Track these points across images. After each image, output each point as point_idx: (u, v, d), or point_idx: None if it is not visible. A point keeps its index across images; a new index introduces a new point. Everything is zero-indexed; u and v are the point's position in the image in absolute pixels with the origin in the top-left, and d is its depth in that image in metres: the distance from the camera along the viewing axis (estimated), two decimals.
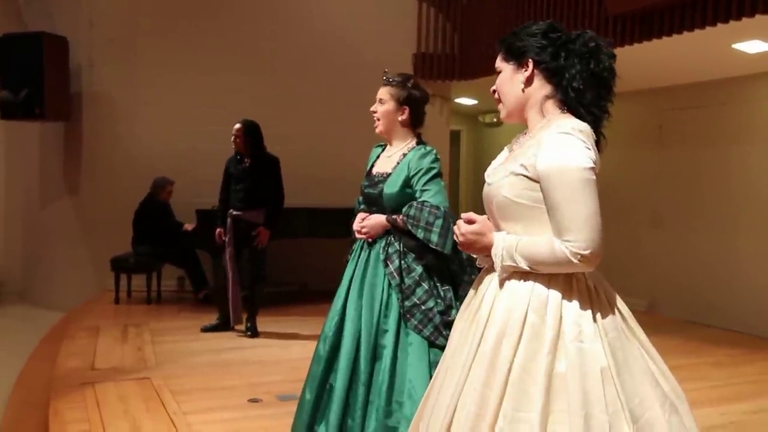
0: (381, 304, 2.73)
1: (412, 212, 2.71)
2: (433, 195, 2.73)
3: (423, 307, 2.67)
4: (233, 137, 5.73)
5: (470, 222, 1.87)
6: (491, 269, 1.84)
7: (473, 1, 8.06)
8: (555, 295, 1.71)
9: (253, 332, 5.83)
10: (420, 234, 2.68)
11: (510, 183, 1.75)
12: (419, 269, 2.73)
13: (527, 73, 1.83)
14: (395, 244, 2.78)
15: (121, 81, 7.77)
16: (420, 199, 2.73)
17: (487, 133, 10.67)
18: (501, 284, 1.78)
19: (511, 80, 1.87)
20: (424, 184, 2.74)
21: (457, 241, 1.92)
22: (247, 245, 5.72)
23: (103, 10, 7.76)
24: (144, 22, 7.76)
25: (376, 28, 8.13)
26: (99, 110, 7.84)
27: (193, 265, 7.32)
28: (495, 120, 10.31)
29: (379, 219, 2.83)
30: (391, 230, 2.80)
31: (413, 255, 2.74)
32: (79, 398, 4.11)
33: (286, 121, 7.80)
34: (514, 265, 1.72)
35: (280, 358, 5.19)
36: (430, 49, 8.38)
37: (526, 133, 1.90)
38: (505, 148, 2.00)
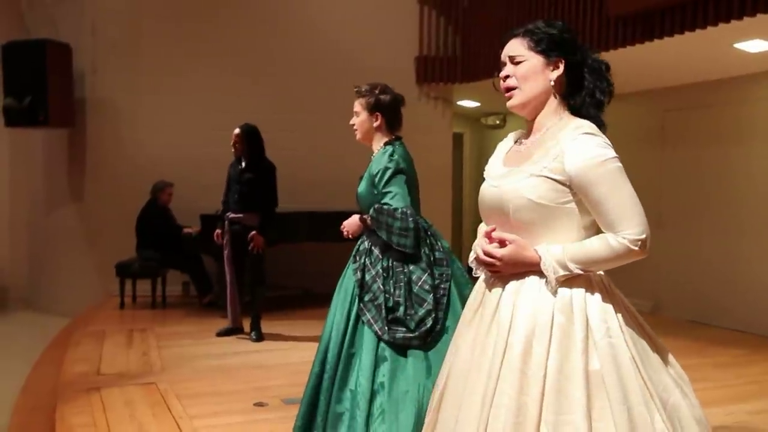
0: (352, 299, 2.88)
1: (374, 215, 2.91)
2: (392, 197, 2.89)
3: (376, 302, 2.81)
4: (232, 142, 5.79)
5: (501, 242, 1.80)
6: (503, 278, 1.82)
7: (474, 4, 8.07)
8: (578, 293, 1.73)
9: (257, 336, 5.84)
10: (384, 236, 2.86)
11: (532, 185, 1.74)
12: (378, 267, 2.87)
13: (559, 72, 1.83)
14: (365, 242, 2.97)
15: (124, 87, 7.79)
16: (381, 201, 2.91)
17: (490, 135, 10.67)
18: (519, 290, 1.77)
19: (542, 73, 1.84)
20: (384, 185, 2.92)
21: (488, 266, 1.83)
22: (245, 249, 5.75)
23: (106, 17, 7.79)
24: (146, 28, 7.79)
25: (377, 31, 8.15)
26: (102, 116, 7.87)
27: (197, 270, 7.34)
28: (497, 122, 10.32)
29: (354, 219, 3.05)
30: (364, 229, 3.00)
31: (377, 253, 2.91)
32: (85, 403, 4.13)
33: (289, 124, 7.82)
34: (567, 273, 1.72)
35: (284, 361, 5.20)
36: (431, 52, 8.39)
37: (530, 132, 1.90)
38: (504, 145, 2.00)
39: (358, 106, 3.08)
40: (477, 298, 1.91)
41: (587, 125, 1.76)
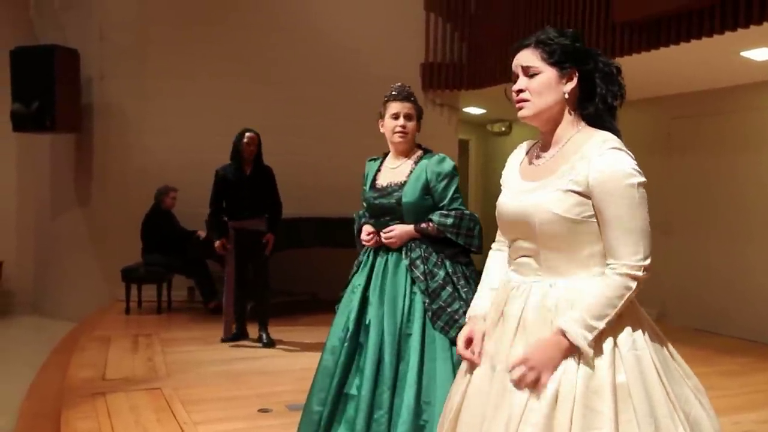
0: (403, 310, 2.82)
1: (450, 221, 2.87)
2: (461, 202, 2.95)
3: (449, 310, 2.79)
4: (248, 146, 5.71)
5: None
6: (521, 287, 1.81)
7: (481, 11, 8.08)
8: None
9: (268, 342, 5.84)
10: (461, 241, 2.87)
11: (559, 199, 1.72)
12: (441, 273, 2.85)
13: (573, 84, 1.80)
14: (417, 249, 2.89)
15: (132, 92, 7.82)
16: (452, 207, 2.90)
17: (496, 142, 10.67)
18: (546, 306, 1.74)
19: (556, 85, 1.79)
20: (454, 191, 2.93)
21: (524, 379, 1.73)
22: (252, 255, 5.74)
23: (114, 23, 7.83)
24: (154, 34, 7.82)
25: (384, 38, 8.17)
26: (109, 121, 7.90)
27: (203, 275, 7.35)
28: (503, 129, 10.32)
29: (405, 229, 2.91)
30: (420, 238, 2.90)
31: (434, 260, 2.86)
32: (90, 408, 4.13)
33: (296, 130, 7.83)
34: (597, 333, 1.66)
35: (289, 368, 5.19)
36: (438, 58, 8.41)
37: (546, 144, 1.87)
38: (516, 157, 1.97)
39: (412, 109, 2.97)
40: (498, 309, 1.88)
41: (612, 139, 1.73)
